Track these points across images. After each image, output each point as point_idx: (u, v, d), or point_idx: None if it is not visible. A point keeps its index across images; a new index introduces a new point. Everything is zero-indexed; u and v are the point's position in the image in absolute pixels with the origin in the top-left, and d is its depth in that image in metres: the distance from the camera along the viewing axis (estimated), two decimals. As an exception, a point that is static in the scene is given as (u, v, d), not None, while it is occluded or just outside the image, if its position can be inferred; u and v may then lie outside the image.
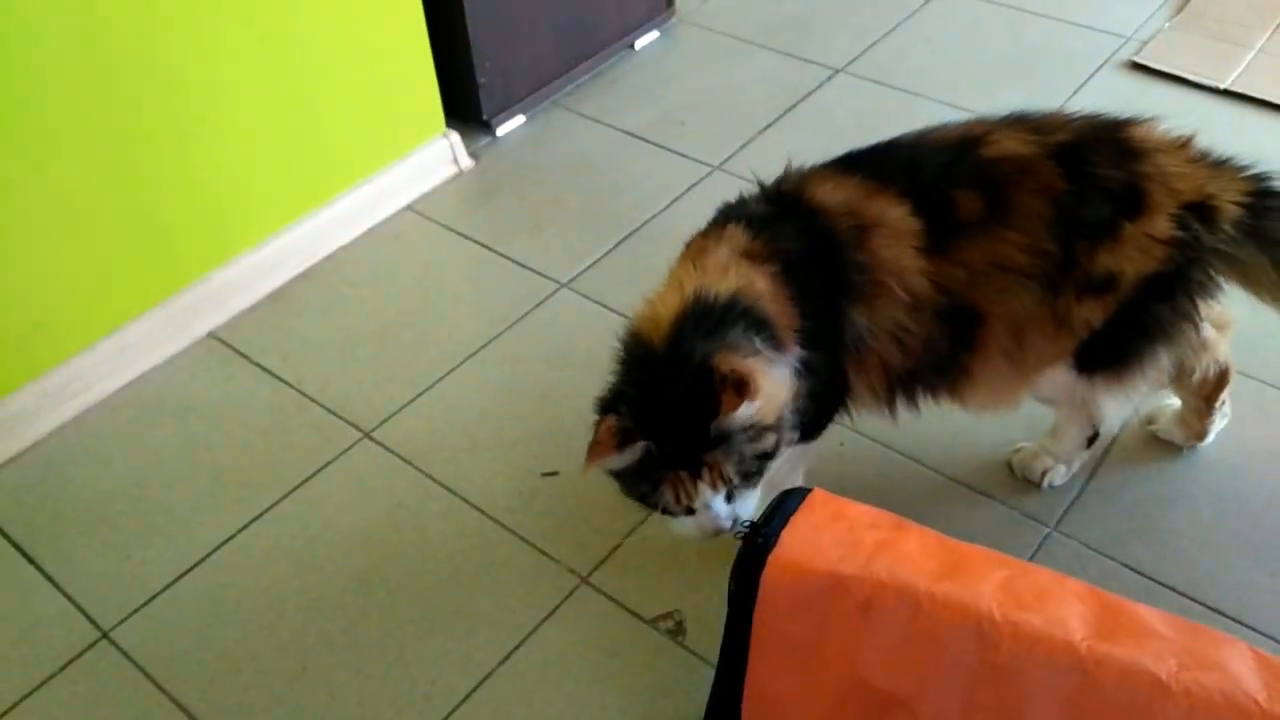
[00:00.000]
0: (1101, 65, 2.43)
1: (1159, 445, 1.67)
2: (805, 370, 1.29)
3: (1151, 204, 1.28)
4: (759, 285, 1.27)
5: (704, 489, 1.20)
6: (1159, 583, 1.50)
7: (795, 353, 1.27)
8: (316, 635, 1.51)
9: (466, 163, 2.30)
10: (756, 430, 1.20)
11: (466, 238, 2.14)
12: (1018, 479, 1.64)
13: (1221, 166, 1.34)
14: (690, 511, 1.23)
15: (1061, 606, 0.98)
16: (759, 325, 1.24)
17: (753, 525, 1.06)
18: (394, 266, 2.10)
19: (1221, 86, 2.33)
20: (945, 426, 1.72)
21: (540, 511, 1.64)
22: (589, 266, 2.05)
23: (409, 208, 2.21)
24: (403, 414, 1.80)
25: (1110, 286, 1.31)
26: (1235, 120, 2.24)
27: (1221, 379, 1.56)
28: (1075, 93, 2.35)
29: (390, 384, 1.85)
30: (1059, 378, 1.43)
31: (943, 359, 1.37)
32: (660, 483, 1.21)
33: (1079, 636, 0.94)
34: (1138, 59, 2.42)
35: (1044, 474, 1.61)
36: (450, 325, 1.96)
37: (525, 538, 1.61)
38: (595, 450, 1.21)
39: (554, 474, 1.69)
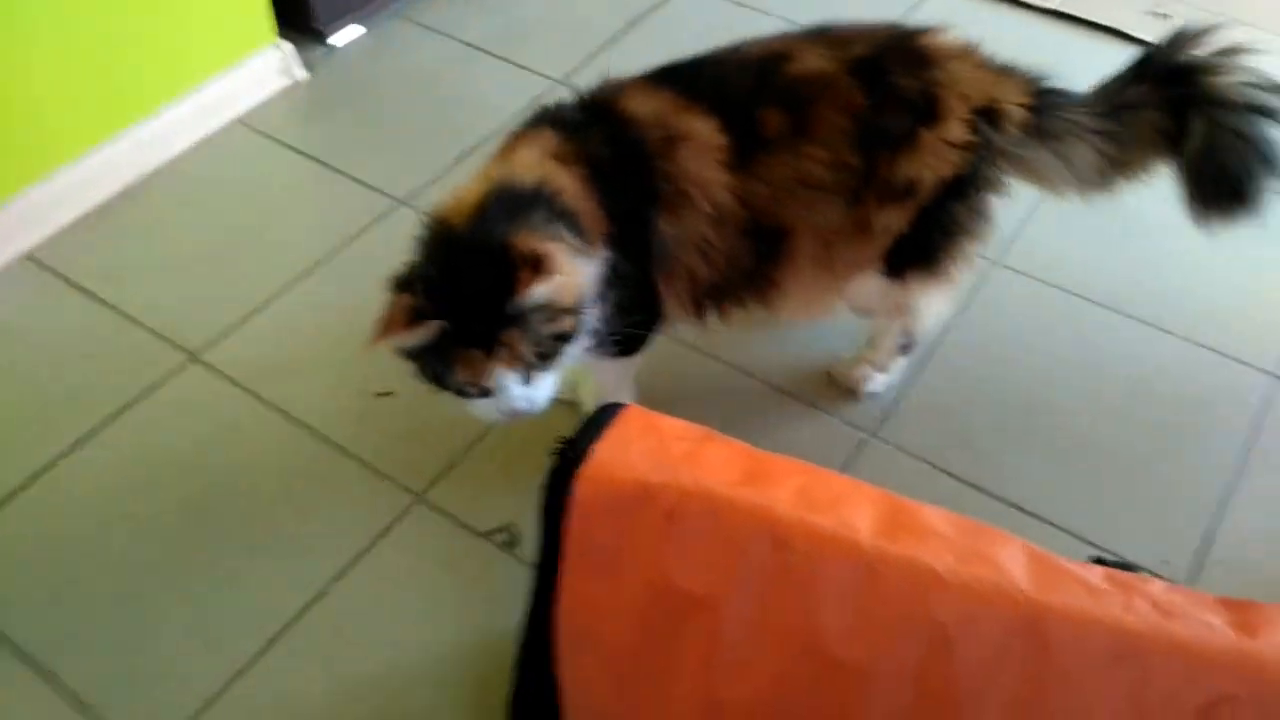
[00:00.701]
0: (937, -17, 2.48)
1: (974, 356, 1.76)
2: (614, 276, 1.31)
3: (945, 110, 1.34)
4: (566, 183, 1.29)
5: (499, 369, 1.21)
6: (968, 484, 1.59)
7: (602, 253, 1.30)
8: (142, 561, 1.49)
9: (301, 74, 2.22)
10: (554, 311, 1.22)
11: (301, 153, 2.09)
12: (840, 389, 1.71)
13: (1005, 72, 1.42)
14: (486, 393, 1.25)
15: (854, 510, 1.03)
16: (563, 215, 1.26)
17: (565, 440, 1.08)
18: (224, 182, 2.03)
19: (1048, 6, 2.40)
20: (774, 339, 1.77)
21: (375, 431, 1.64)
22: (428, 183, 2.02)
23: (240, 121, 2.14)
24: (233, 336, 1.77)
25: (911, 192, 1.37)
26: (1061, 40, 2.33)
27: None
28: (913, 8, 2.40)
29: (220, 305, 1.81)
30: (871, 285, 1.49)
31: (750, 272, 1.42)
32: (454, 362, 1.22)
33: (865, 536, 1.00)
34: (971, -22, 2.47)
35: (862, 382, 1.69)
36: (283, 244, 1.91)
37: (360, 457, 1.61)
38: (385, 328, 1.21)
39: (389, 394, 1.68)
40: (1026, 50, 1.48)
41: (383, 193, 2.00)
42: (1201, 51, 1.38)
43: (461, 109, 2.18)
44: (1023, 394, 1.71)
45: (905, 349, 1.68)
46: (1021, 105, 1.38)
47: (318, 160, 2.07)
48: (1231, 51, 1.37)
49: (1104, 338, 1.79)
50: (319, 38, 2.29)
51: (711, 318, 1.48)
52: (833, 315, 1.68)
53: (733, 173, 1.33)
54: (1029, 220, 1.96)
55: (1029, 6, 2.41)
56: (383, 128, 2.14)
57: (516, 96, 2.19)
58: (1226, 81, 1.36)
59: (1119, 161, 1.43)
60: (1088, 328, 1.80)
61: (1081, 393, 1.71)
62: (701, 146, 1.33)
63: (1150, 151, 1.42)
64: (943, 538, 1.01)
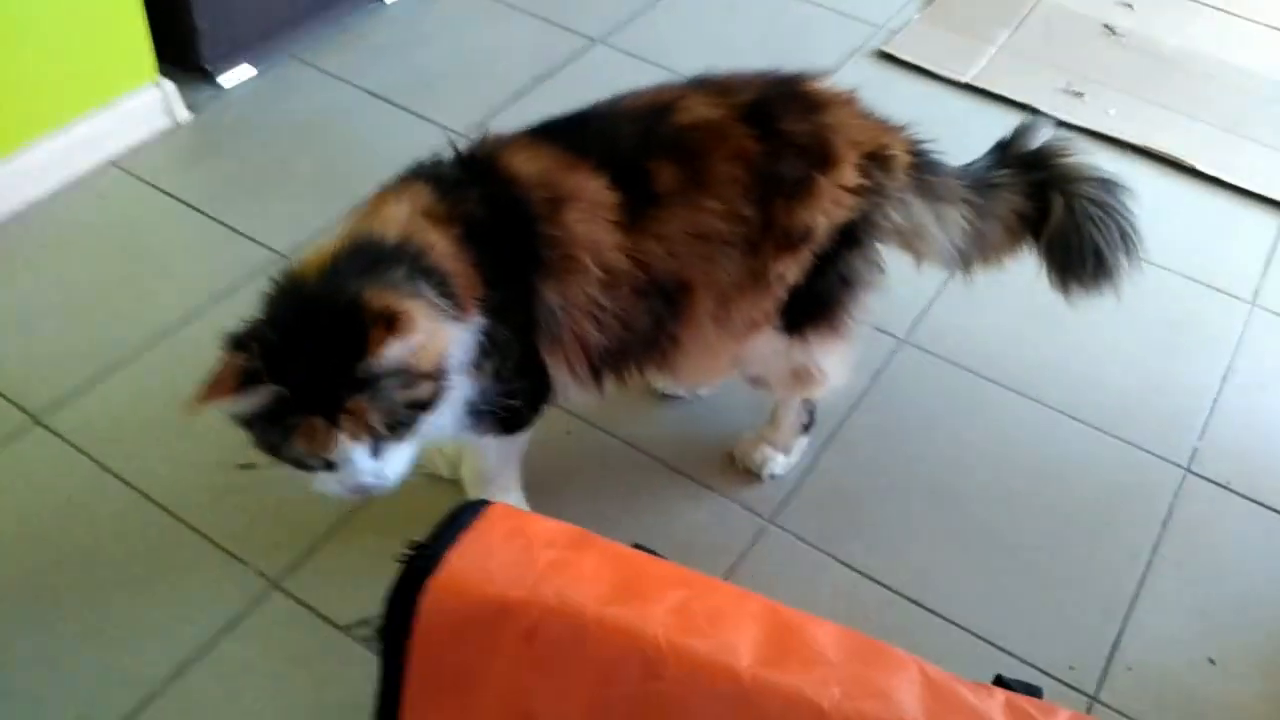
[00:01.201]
0: (853, 53, 2.44)
1: (878, 438, 1.69)
2: (491, 344, 1.20)
3: (837, 155, 1.29)
4: (436, 242, 1.18)
5: (343, 440, 1.08)
6: (868, 577, 1.51)
7: (476, 319, 1.19)
8: (-45, 653, 1.33)
9: (184, 115, 2.09)
10: (410, 376, 1.09)
11: (176, 199, 1.95)
12: (740, 470, 1.62)
13: (885, 122, 1.38)
14: (330, 466, 1.12)
15: (735, 630, 0.93)
16: (429, 274, 1.14)
17: (415, 545, 0.97)
18: (90, 229, 1.88)
19: (963, 80, 2.38)
20: (671, 415, 1.68)
21: (232, 508, 1.50)
22: (313, 235, 1.89)
23: (112, 162, 1.99)
24: (82, 397, 1.62)
25: (806, 239, 1.30)
26: (974, 114, 2.30)
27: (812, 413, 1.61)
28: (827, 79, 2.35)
29: (71, 363, 1.66)
30: (769, 345, 1.41)
31: (648, 334, 1.33)
32: (292, 431, 1.08)
33: (745, 663, 0.90)
34: (886, 48, 2.44)
35: (764, 464, 1.60)
36: (148, 297, 1.77)
37: (212, 538, 1.46)
38: (210, 391, 1.07)
39: (251, 466, 1.54)
40: (938, 123, 1.44)
41: (263, 245, 1.88)
42: (1048, 141, 1.43)
43: (355, 159, 2.06)
44: (927, 480, 1.64)
45: (806, 427, 1.60)
46: (908, 153, 1.36)
47: (194, 208, 1.93)
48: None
49: (1012, 423, 1.73)
50: (207, 77, 2.16)
51: (609, 385, 1.37)
52: (728, 379, 1.61)
53: (625, 231, 1.24)
54: (937, 299, 1.90)
55: (944, 80, 2.39)
56: (268, 175, 2.02)
57: (415, 148, 2.02)
58: (1078, 160, 1.41)
59: (981, 237, 1.42)
60: (995, 412, 1.74)
61: (988, 480, 1.64)
62: (590, 206, 1.23)
63: (1009, 233, 1.43)
64: (831, 665, 0.92)
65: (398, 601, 0.94)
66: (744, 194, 1.28)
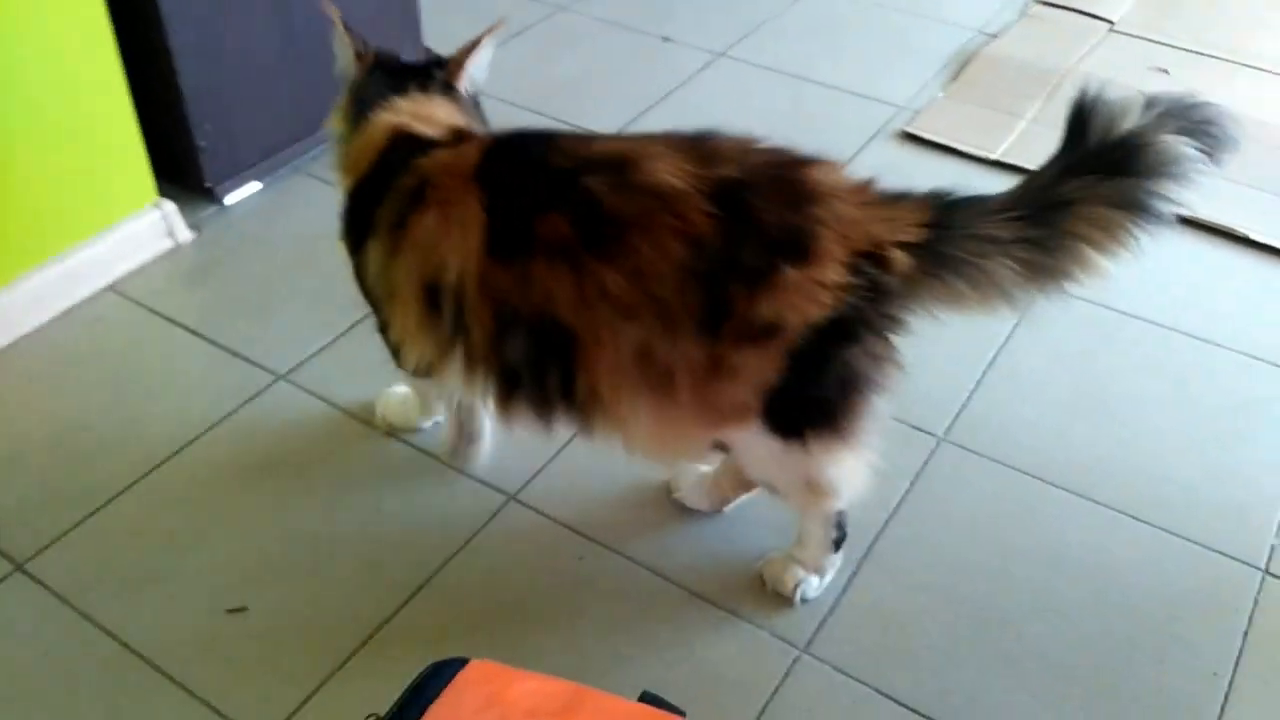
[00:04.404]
0: (875, 134, 2.35)
1: (918, 550, 1.55)
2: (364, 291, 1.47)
3: (819, 250, 1.19)
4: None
5: None
6: (915, 711, 1.36)
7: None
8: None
9: (185, 236, 2.04)
10: None
11: (175, 322, 1.88)
12: (769, 593, 1.48)
13: (897, 201, 1.24)
14: None
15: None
16: None
17: (377, 718, 0.85)
18: (84, 358, 1.82)
19: (992, 157, 2.27)
20: (692, 534, 1.56)
21: (221, 658, 1.39)
22: (314, 354, 1.82)
23: (111, 288, 1.94)
24: (67, 539, 1.53)
25: (771, 333, 1.20)
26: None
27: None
28: (849, 161, 2.26)
29: (56, 503, 1.57)
30: (762, 445, 1.29)
31: (530, 365, 1.31)
32: None
33: None
34: (910, 129, 2.35)
35: (795, 586, 1.46)
36: (139, 429, 1.69)
37: (197, 693, 1.35)
38: None
39: (242, 610, 1.44)
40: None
41: (261, 366, 1.80)
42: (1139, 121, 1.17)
43: (359, 271, 1.99)
44: (974, 596, 1.49)
45: (838, 543, 1.47)
46: (910, 241, 1.20)
47: (192, 331, 1.87)
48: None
49: (1065, 526, 1.58)
50: (209, 194, 2.12)
51: (526, 417, 1.35)
52: (696, 458, 1.53)
53: (491, 260, 1.27)
54: (976, 391, 1.77)
55: (972, 158, 2.28)
56: (270, 292, 1.95)
57: None
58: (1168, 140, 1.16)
59: (1055, 267, 1.22)
60: (1046, 514, 1.60)
61: (1042, 593, 1.49)
62: (453, 214, 1.29)
63: (1099, 246, 1.21)
64: None
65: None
66: (674, 270, 1.20)
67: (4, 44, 1.67)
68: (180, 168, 2.06)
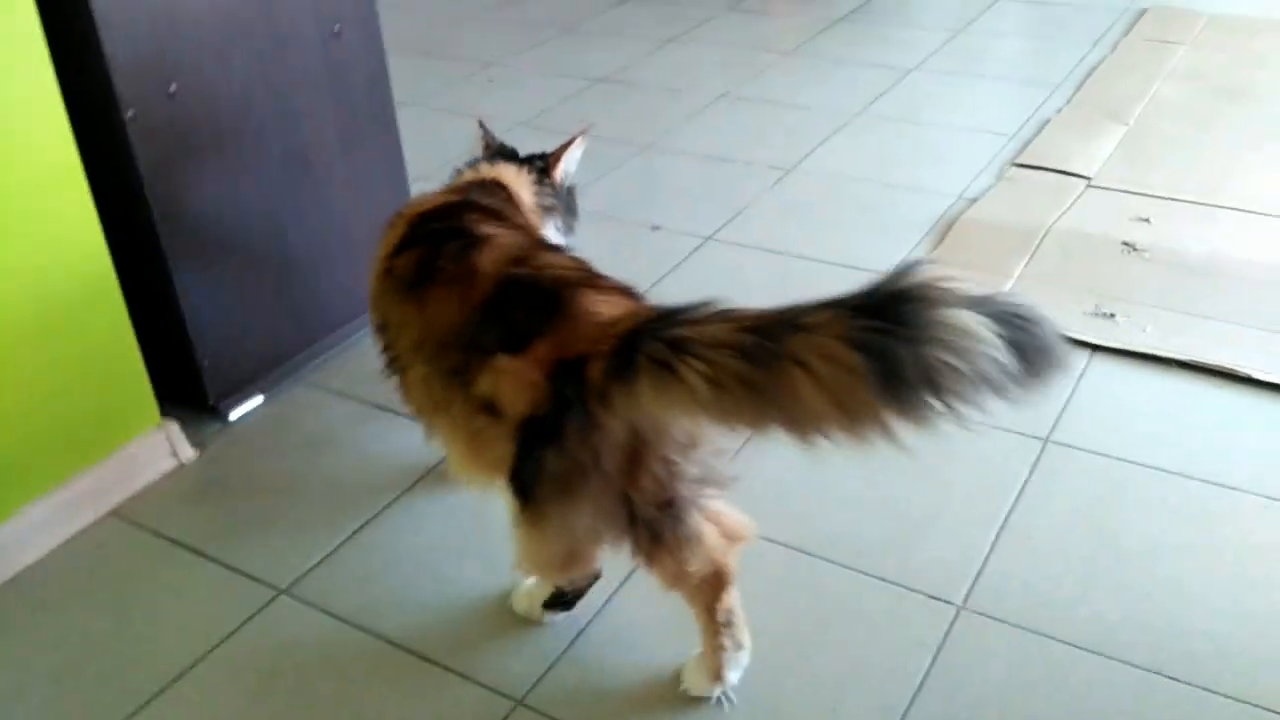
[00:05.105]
0: (866, 302, 2.37)
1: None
2: None
3: (532, 349, 1.30)
4: None
5: None
6: None
7: None
8: None
9: (189, 454, 2.05)
10: None
11: (178, 543, 1.87)
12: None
13: (629, 316, 1.28)
14: None
15: None
16: None
17: None
18: (86, 587, 1.80)
19: (984, 316, 2.29)
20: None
21: None
22: (316, 565, 1.80)
23: (114, 513, 1.94)
24: (62, 780, 1.48)
25: (492, 409, 1.36)
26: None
27: (717, 582, 1.41)
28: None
29: (54, 740, 1.53)
30: (510, 498, 1.40)
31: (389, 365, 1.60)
32: None
33: None
34: (899, 294, 2.37)
35: (529, 610, 1.64)
36: (137, 657, 1.65)
37: None
38: None
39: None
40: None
41: (263, 582, 1.77)
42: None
43: (364, 472, 1.99)
44: None
45: (557, 600, 1.62)
46: (604, 350, 1.22)
47: (195, 550, 1.85)
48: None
49: (1097, 693, 1.51)
50: (213, 410, 2.14)
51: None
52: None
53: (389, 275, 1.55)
54: (992, 553, 1.73)
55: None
56: (275, 504, 1.94)
57: (424, 458, 2.01)
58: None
59: (758, 386, 1.11)
60: (1076, 681, 1.53)
61: None
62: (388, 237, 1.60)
63: (808, 385, 1.08)
64: None
65: None
66: (450, 326, 1.40)
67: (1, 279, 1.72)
68: (183, 387, 2.09)
